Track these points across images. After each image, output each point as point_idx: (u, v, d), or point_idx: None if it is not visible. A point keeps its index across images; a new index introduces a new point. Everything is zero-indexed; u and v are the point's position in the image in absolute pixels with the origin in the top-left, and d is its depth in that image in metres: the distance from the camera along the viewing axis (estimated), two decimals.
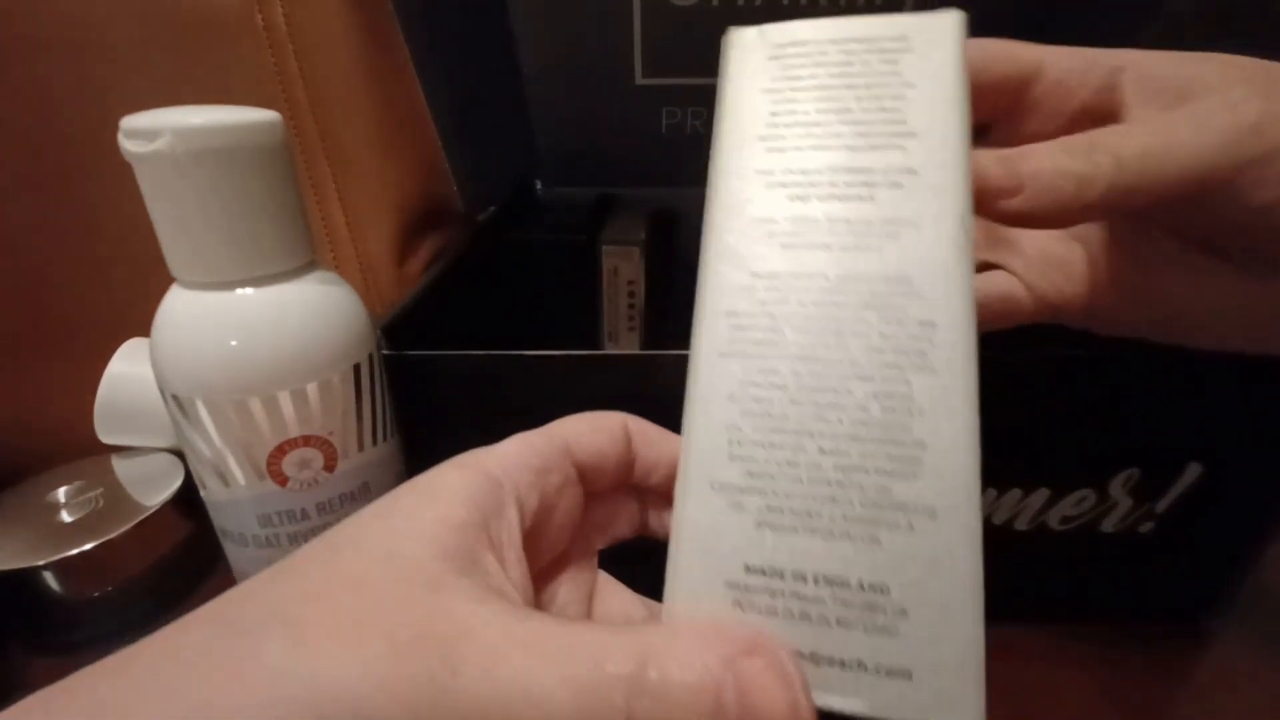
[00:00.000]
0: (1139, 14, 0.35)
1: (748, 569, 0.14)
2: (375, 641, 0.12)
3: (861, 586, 0.13)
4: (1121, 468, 0.25)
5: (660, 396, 0.25)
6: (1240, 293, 0.19)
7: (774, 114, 0.17)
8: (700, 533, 0.14)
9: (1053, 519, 0.26)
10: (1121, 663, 0.27)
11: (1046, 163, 0.17)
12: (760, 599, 0.14)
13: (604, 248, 0.42)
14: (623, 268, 0.42)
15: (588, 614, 0.19)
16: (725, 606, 0.14)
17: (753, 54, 0.18)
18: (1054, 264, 0.22)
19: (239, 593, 0.13)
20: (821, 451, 0.14)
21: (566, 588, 0.19)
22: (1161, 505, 0.26)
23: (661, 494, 0.21)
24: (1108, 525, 0.26)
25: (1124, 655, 0.27)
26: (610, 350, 0.45)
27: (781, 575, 0.14)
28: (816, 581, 0.13)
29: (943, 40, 0.17)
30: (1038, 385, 0.24)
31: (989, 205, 0.18)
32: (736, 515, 0.14)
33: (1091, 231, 0.22)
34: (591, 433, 0.19)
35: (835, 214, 0.16)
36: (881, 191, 0.16)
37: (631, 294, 0.43)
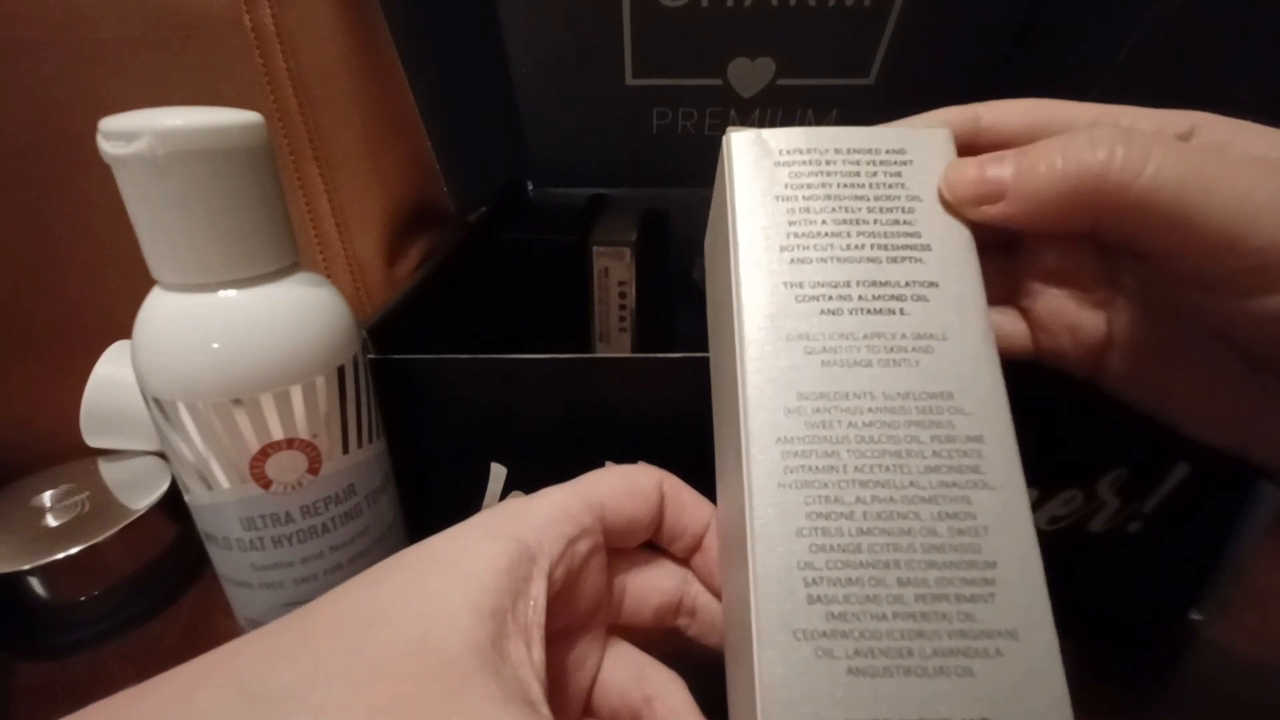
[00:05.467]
0: (1128, 12, 0.35)
1: None
2: None
3: None
4: (1109, 468, 0.25)
5: (651, 400, 0.26)
6: (1250, 400, 0.17)
7: (792, 223, 0.17)
8: (786, 688, 0.13)
9: (1041, 519, 0.26)
10: (1110, 661, 0.27)
11: (1055, 142, 0.16)
12: None
13: (595, 248, 0.42)
14: (614, 268, 0.42)
15: (594, 679, 0.19)
16: None
17: (757, 159, 0.18)
18: (1063, 326, 0.19)
19: (260, 651, 0.13)
20: (900, 582, 0.13)
21: (578, 650, 0.19)
22: (1149, 505, 0.26)
23: (679, 559, 0.21)
24: (1096, 525, 0.26)
25: (1112, 654, 0.27)
26: (603, 351, 0.45)
27: None
28: None
29: (937, 153, 0.18)
30: (1025, 386, 0.24)
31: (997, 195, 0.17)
32: (826, 665, 0.13)
33: (1118, 312, 0.18)
34: (627, 497, 0.19)
35: (869, 328, 0.16)
36: (909, 304, 0.16)
37: (623, 295, 0.43)
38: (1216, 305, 0.16)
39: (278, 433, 0.21)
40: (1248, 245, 0.14)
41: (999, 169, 0.17)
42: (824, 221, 0.17)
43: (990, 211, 0.17)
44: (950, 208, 0.17)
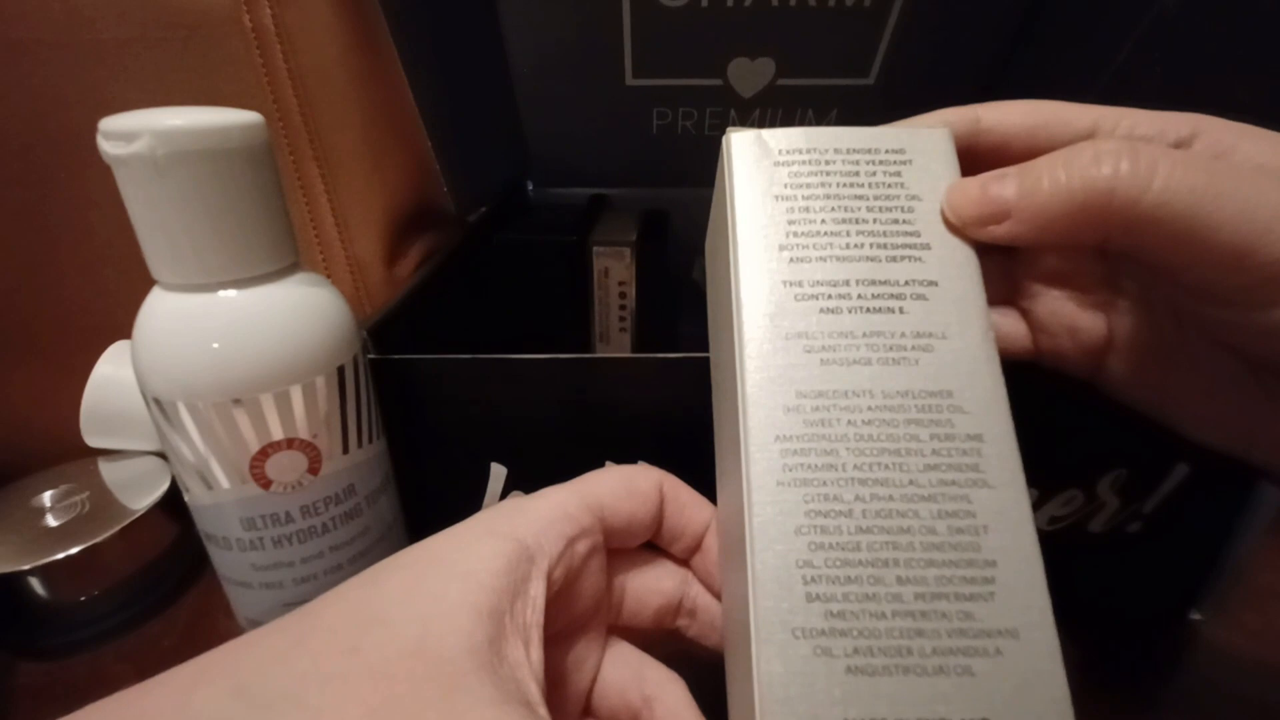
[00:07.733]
0: (1129, 12, 0.35)
1: None
2: None
3: None
4: (1109, 468, 0.25)
5: (651, 400, 0.25)
6: (1251, 402, 0.17)
7: (791, 222, 0.17)
8: (784, 686, 0.13)
9: (1041, 519, 0.26)
10: (1110, 661, 0.27)
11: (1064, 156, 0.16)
12: None
13: (595, 249, 0.42)
14: (614, 268, 0.42)
15: (594, 679, 0.19)
16: None
17: (757, 159, 0.18)
18: (1063, 327, 0.19)
19: (258, 652, 0.13)
20: (900, 581, 0.13)
21: (577, 651, 0.19)
22: (1149, 505, 0.26)
23: (679, 560, 0.21)
24: (1096, 525, 0.26)
25: (1112, 654, 0.27)
26: (603, 351, 0.45)
27: None
28: None
29: (937, 153, 0.18)
30: (1025, 386, 0.24)
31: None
32: (825, 663, 0.13)
33: (1119, 314, 0.18)
34: (627, 498, 0.19)
35: (868, 327, 0.16)
36: (909, 303, 0.16)
37: (623, 295, 0.43)
38: (1224, 316, 0.16)
39: (278, 433, 0.21)
40: (1259, 259, 0.14)
41: (1001, 188, 0.16)
42: (823, 221, 0.17)
43: (997, 232, 0.16)
44: (955, 229, 0.17)
